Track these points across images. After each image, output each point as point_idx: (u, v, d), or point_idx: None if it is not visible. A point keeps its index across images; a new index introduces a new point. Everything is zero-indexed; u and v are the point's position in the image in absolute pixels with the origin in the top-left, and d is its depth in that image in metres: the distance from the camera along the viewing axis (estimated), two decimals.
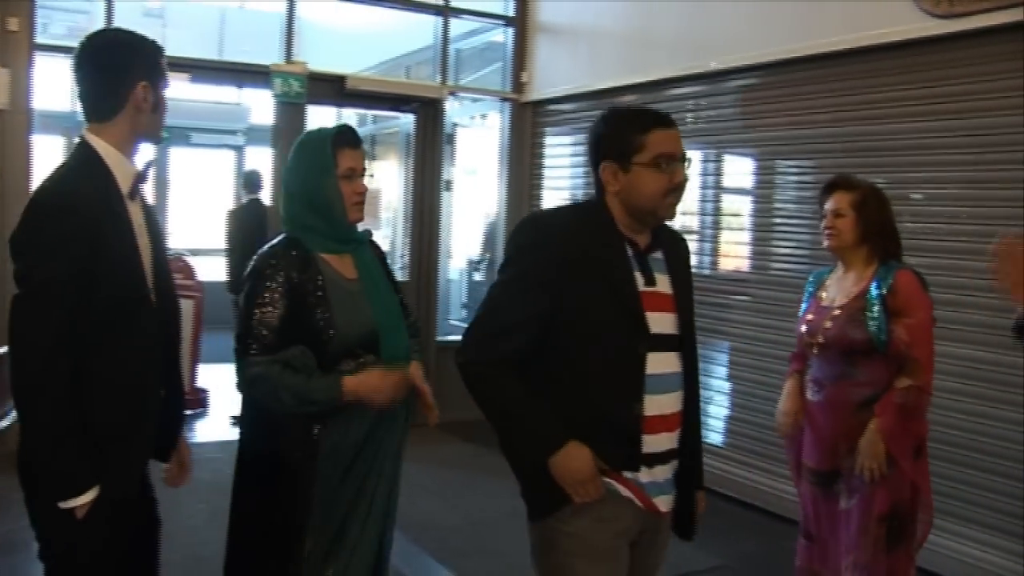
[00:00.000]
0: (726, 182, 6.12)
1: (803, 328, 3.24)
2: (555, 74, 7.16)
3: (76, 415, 2.05)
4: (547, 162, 7.47)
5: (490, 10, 7.49)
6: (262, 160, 7.59)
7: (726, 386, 5.90)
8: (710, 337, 5.80)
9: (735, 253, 6.03)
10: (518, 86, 7.42)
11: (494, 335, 2.17)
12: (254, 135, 11.25)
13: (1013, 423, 4.13)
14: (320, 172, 2.51)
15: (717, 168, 6.14)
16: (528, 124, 7.48)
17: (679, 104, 6.18)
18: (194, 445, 5.76)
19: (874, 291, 3.02)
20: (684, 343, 2.28)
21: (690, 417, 2.31)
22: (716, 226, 6.16)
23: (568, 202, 6.67)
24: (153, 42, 2.30)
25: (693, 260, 6.03)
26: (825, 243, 3.22)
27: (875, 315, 2.99)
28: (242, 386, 2.44)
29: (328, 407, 2.41)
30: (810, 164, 5.37)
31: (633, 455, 2.18)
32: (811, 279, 3.41)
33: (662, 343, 2.21)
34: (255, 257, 2.50)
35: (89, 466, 2.07)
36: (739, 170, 6.07)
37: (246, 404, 2.59)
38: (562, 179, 7.34)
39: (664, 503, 2.27)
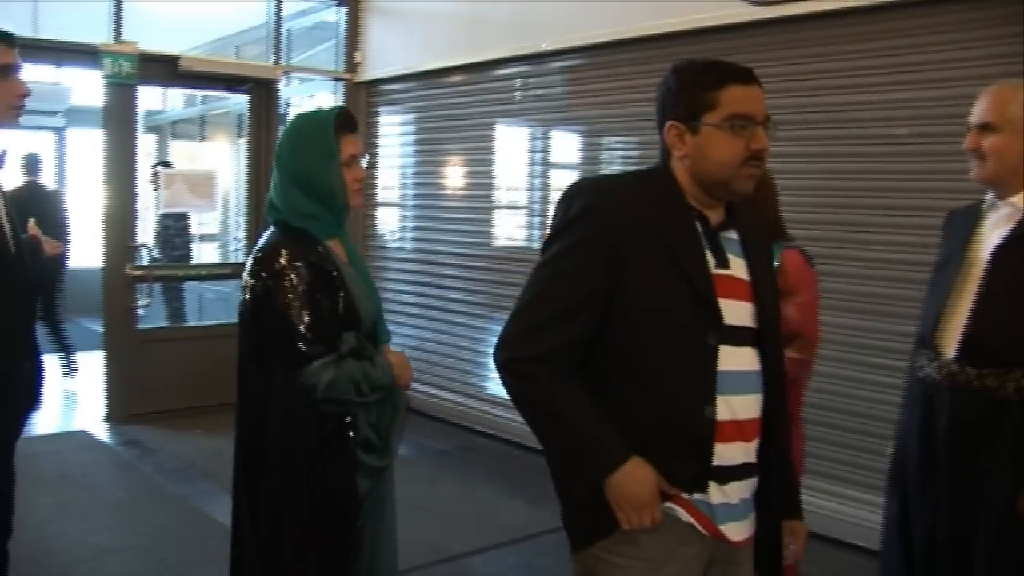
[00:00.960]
0: (555, 158, 6.40)
1: None
2: (389, 54, 7.24)
3: None
4: (382, 141, 7.56)
5: None
6: (87, 141, 7.35)
7: None
8: None
9: None
10: (351, 66, 7.46)
11: (542, 324, 1.85)
12: (75, 116, 10.80)
13: (880, 386, 4.32)
14: (323, 159, 2.39)
15: (546, 145, 6.40)
16: (362, 104, 7.53)
17: (508, 84, 6.42)
18: (34, 438, 5.70)
19: None
20: (765, 338, 1.96)
21: (772, 426, 1.98)
22: (545, 201, 6.43)
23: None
24: None
25: (528, 235, 6.49)
26: None
27: None
28: (324, 391, 2.29)
29: (385, 392, 2.39)
30: (636, 140, 5.69)
31: (702, 469, 1.87)
32: None
33: (737, 336, 1.89)
34: (260, 259, 2.36)
35: None
36: (567, 147, 6.34)
37: (278, 403, 2.37)
38: (396, 157, 7.45)
39: (737, 530, 1.94)
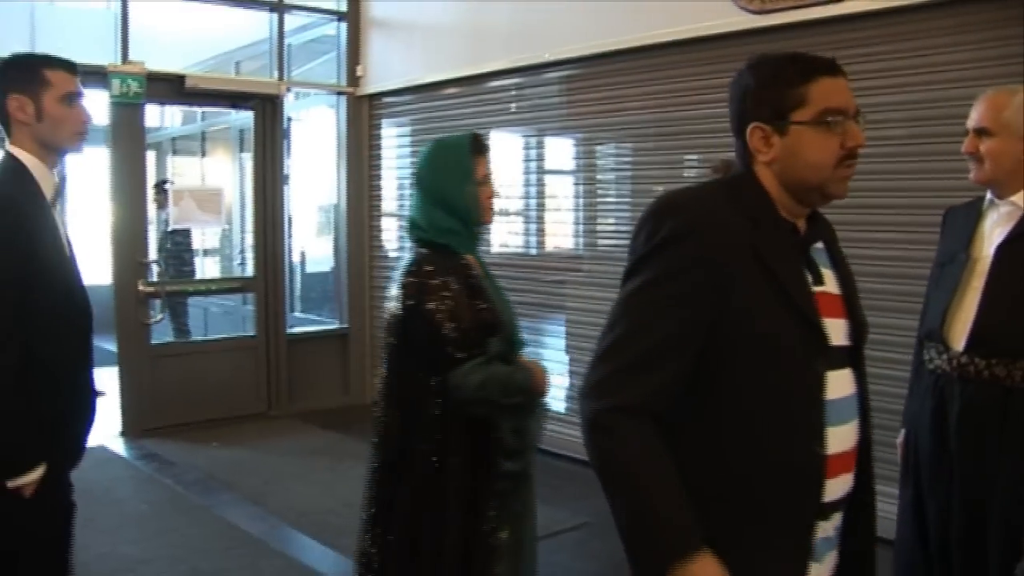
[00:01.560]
0: (556, 166, 6.55)
1: None
2: (390, 67, 7.35)
3: (23, 401, 2.24)
4: (385, 153, 7.67)
5: (323, 5, 7.58)
6: (94, 160, 7.44)
7: (567, 356, 6.34)
8: (550, 312, 6.33)
9: (567, 232, 6.49)
10: (353, 79, 7.57)
11: (636, 366, 1.61)
12: None
13: (883, 378, 4.34)
14: (461, 179, 2.63)
15: (545, 154, 6.57)
16: (365, 117, 7.65)
17: (507, 95, 6.60)
18: None
19: None
20: (858, 357, 1.80)
21: (866, 451, 1.83)
22: (548, 208, 6.61)
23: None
24: (25, 56, 2.45)
25: (531, 242, 6.63)
26: None
27: None
28: (475, 392, 2.47)
29: (526, 396, 2.54)
30: (631, 147, 5.85)
31: (811, 510, 1.69)
32: None
33: (838, 359, 1.73)
34: (411, 273, 2.56)
35: (35, 446, 2.29)
36: (565, 154, 6.47)
37: (430, 411, 2.58)
38: (400, 169, 7.56)
39: (831, 559, 1.80)
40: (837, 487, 1.72)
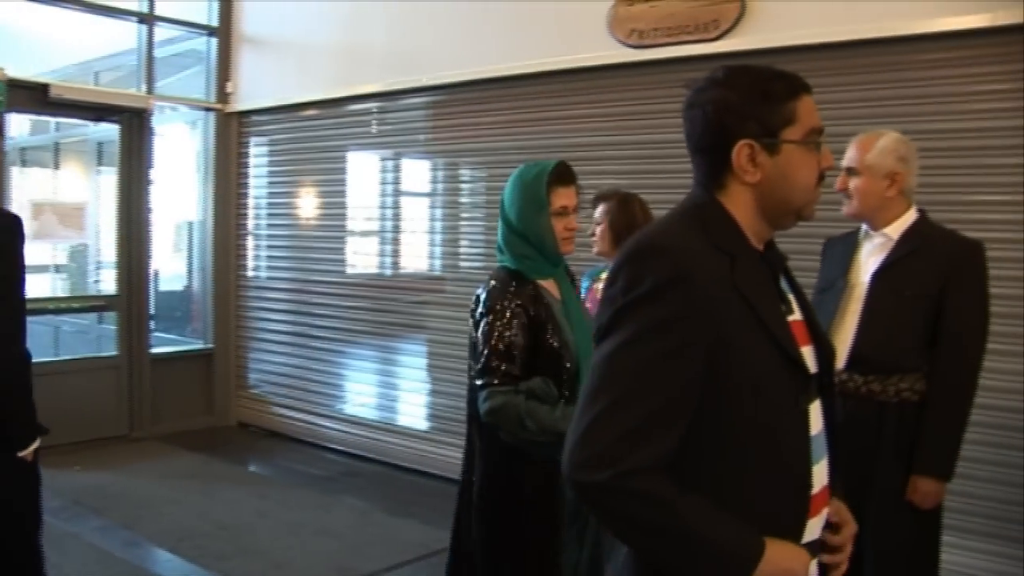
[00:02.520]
0: (419, 188, 6.69)
1: None
2: (261, 85, 7.30)
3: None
4: (253, 172, 7.59)
5: (192, 18, 7.45)
6: None
7: (431, 376, 6.47)
8: (412, 332, 6.48)
9: (429, 254, 6.61)
10: (223, 96, 7.47)
11: (644, 427, 1.46)
12: None
13: None
14: (535, 209, 2.64)
15: (410, 176, 6.71)
16: (234, 134, 7.56)
17: (378, 117, 6.67)
18: None
19: None
20: (827, 383, 1.71)
21: (836, 488, 1.75)
22: (411, 230, 6.73)
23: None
24: None
25: (394, 263, 6.72)
26: (593, 250, 3.65)
27: None
28: (486, 416, 2.50)
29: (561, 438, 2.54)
30: (498, 172, 5.99)
31: None
32: (586, 275, 3.76)
33: (813, 389, 1.66)
34: (485, 292, 2.61)
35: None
36: (430, 178, 6.59)
37: (487, 436, 2.62)
38: (268, 188, 7.50)
39: None
40: (814, 527, 1.64)
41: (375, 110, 6.68)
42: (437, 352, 6.38)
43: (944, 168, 4.12)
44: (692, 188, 1.68)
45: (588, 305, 3.60)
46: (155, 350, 7.28)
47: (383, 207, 6.85)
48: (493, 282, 2.67)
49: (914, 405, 2.88)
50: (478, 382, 2.55)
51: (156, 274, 7.61)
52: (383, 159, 6.78)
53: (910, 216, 2.98)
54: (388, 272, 6.86)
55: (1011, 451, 4.04)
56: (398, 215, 6.79)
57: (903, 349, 2.90)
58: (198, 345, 7.72)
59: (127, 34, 7.16)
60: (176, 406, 7.32)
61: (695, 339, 1.48)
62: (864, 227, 3.07)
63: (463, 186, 6.38)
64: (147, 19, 7.07)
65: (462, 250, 6.33)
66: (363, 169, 7.00)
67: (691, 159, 1.67)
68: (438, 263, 6.51)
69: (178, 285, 8.17)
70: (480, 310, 2.63)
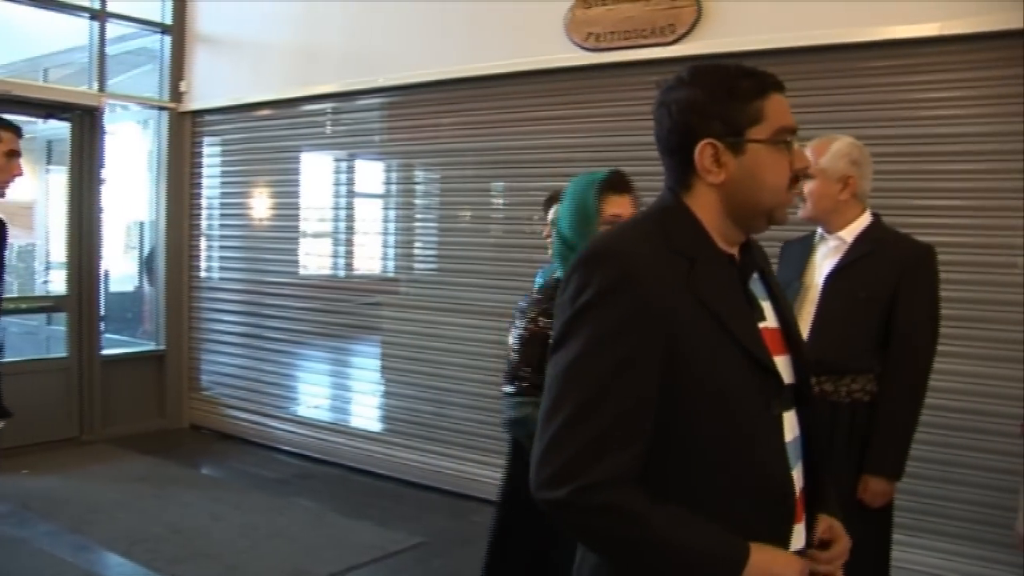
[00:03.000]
0: (373, 189, 6.66)
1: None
2: (215, 84, 7.22)
3: None
4: (207, 172, 7.51)
5: (145, 16, 7.34)
6: None
7: (385, 377, 6.45)
8: (366, 334, 6.48)
9: (383, 255, 6.60)
10: (176, 95, 7.38)
11: (605, 438, 1.41)
12: None
13: None
14: (584, 219, 2.56)
15: (365, 177, 6.70)
16: (187, 134, 7.47)
17: (333, 117, 6.65)
18: None
19: None
20: (803, 395, 1.65)
21: (814, 499, 1.68)
22: (365, 231, 6.74)
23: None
24: None
25: (347, 264, 6.70)
26: (548, 252, 3.69)
27: None
28: (507, 425, 2.53)
29: None
30: (453, 174, 6.03)
31: None
32: (539, 274, 3.81)
33: (788, 399, 1.60)
34: (527, 301, 2.61)
35: None
36: (384, 179, 6.58)
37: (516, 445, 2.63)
38: (221, 188, 7.43)
39: None
40: (797, 537, 1.59)
41: (330, 111, 6.65)
42: (391, 354, 6.37)
43: (896, 173, 4.19)
44: (662, 191, 1.64)
45: None
46: (106, 351, 7.17)
47: (337, 208, 6.82)
48: (536, 294, 2.69)
49: (865, 405, 2.93)
50: (505, 389, 2.56)
51: (107, 274, 7.49)
52: (338, 160, 6.75)
53: (864, 220, 3.04)
54: (342, 273, 6.83)
55: (961, 451, 4.14)
56: (352, 216, 6.77)
57: (856, 351, 2.94)
58: (150, 346, 7.62)
59: (78, 30, 7.04)
60: (127, 408, 7.22)
61: (646, 344, 1.43)
62: (820, 230, 3.12)
63: (418, 188, 6.38)
64: (99, 16, 6.96)
65: (416, 252, 6.33)
66: (317, 170, 6.97)
67: (662, 162, 1.63)
68: (392, 264, 6.49)
69: (129, 286, 8.06)
70: (519, 319, 2.64)
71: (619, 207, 2.61)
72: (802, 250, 3.16)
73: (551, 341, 1.52)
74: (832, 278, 3.00)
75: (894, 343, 2.92)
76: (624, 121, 5.09)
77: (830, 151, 3.03)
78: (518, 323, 2.61)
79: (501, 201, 5.93)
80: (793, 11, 4.53)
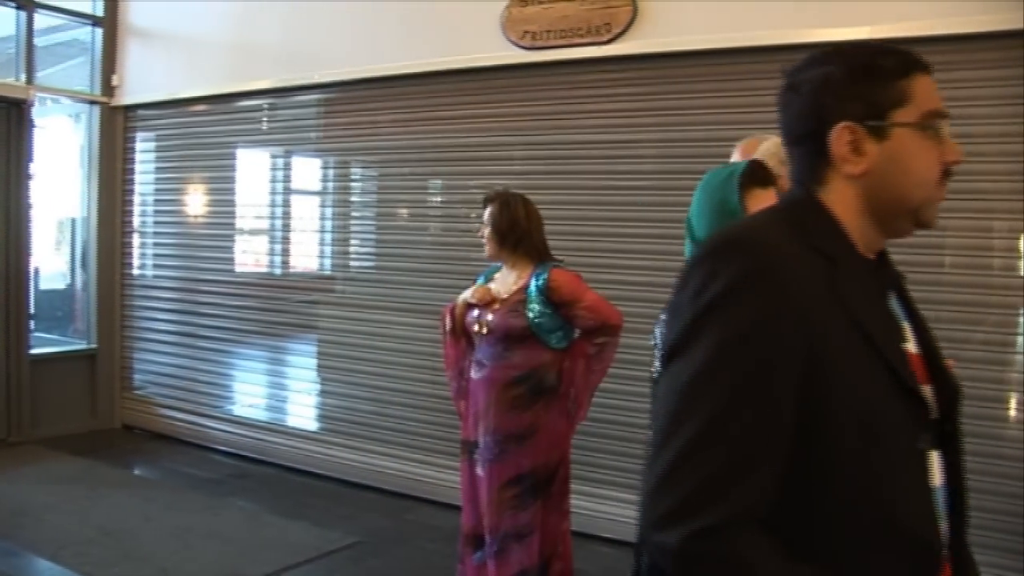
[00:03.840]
0: (310, 186, 6.61)
1: (474, 314, 3.66)
2: (149, 78, 7.09)
3: None
4: (140, 168, 7.38)
5: (76, 7, 7.17)
6: None
7: (321, 376, 6.43)
8: (301, 332, 6.45)
9: (319, 253, 6.58)
10: (108, 89, 7.24)
11: (722, 478, 1.15)
12: None
13: (627, 394, 4.74)
14: (724, 217, 2.26)
15: (300, 174, 6.66)
16: (119, 129, 7.33)
17: (269, 113, 6.60)
18: None
19: (532, 287, 3.52)
20: (950, 432, 1.35)
21: (962, 567, 1.37)
22: (301, 228, 6.72)
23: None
24: None
25: (283, 262, 6.65)
26: (485, 253, 3.69)
27: (534, 307, 3.50)
28: None
29: None
30: (391, 171, 6.01)
31: None
32: (482, 274, 3.82)
33: (934, 436, 1.33)
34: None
35: None
36: (321, 176, 6.55)
37: None
38: (155, 184, 7.31)
39: None
40: None
41: (266, 106, 6.59)
42: (328, 352, 6.33)
43: None
44: (789, 188, 1.40)
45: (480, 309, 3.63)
46: (35, 351, 7.01)
47: (274, 205, 6.76)
48: None
49: None
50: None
51: (36, 272, 7.34)
52: (274, 156, 6.69)
53: None
54: (278, 271, 6.77)
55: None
56: (289, 213, 6.72)
57: None
58: (81, 345, 7.46)
59: (4, 20, 6.85)
60: (57, 409, 7.06)
61: (784, 353, 1.17)
62: None
63: (355, 185, 6.35)
64: (26, 5, 6.78)
65: (352, 249, 6.30)
66: (254, 166, 6.91)
67: (788, 153, 1.41)
68: (329, 262, 6.46)
69: (60, 283, 7.89)
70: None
71: (764, 200, 2.26)
72: None
73: (666, 349, 1.26)
74: None
75: None
76: (560, 119, 5.12)
77: (761, 151, 3.06)
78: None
79: (439, 199, 5.92)
80: (728, 13, 4.59)
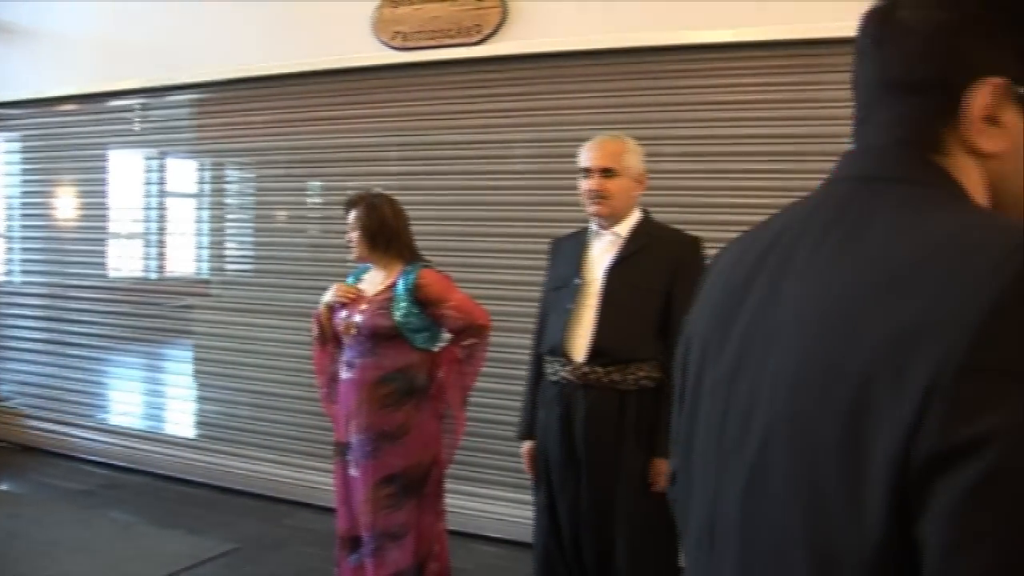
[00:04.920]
0: (184, 188, 6.51)
1: (341, 315, 3.64)
2: (14, 76, 6.83)
3: None
4: (4, 169, 7.15)
5: None
6: None
7: (198, 381, 6.33)
8: (176, 337, 6.35)
9: (194, 256, 6.48)
10: None
11: None
12: None
13: (501, 393, 4.76)
14: None
15: (172, 176, 6.53)
16: None
17: (138, 114, 6.46)
18: None
19: (400, 287, 3.52)
20: None
21: None
22: (174, 232, 6.58)
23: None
24: None
25: (156, 266, 6.51)
26: (351, 255, 3.69)
27: (401, 307, 3.50)
28: None
29: None
30: (266, 173, 5.96)
31: None
32: (351, 275, 3.80)
33: None
34: None
35: None
36: (196, 178, 6.44)
37: None
38: (22, 187, 7.08)
39: None
40: None
41: (138, 107, 6.43)
42: (203, 357, 6.23)
43: (683, 172, 4.40)
44: (861, 155, 0.96)
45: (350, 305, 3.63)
46: None
47: (147, 208, 6.61)
48: None
49: (652, 391, 3.06)
50: None
51: None
52: (147, 158, 6.54)
53: (636, 215, 3.20)
54: (152, 275, 6.62)
55: None
56: (163, 216, 6.59)
57: (639, 340, 3.08)
58: None
59: None
60: None
61: None
62: (592, 226, 3.23)
63: (230, 187, 6.27)
64: None
65: (228, 252, 6.21)
66: (126, 168, 6.73)
67: (870, 105, 0.96)
68: (205, 266, 6.34)
69: None
70: None
71: None
72: (575, 246, 3.27)
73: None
74: (612, 272, 3.13)
75: (673, 331, 3.04)
76: (433, 120, 5.15)
77: (629, 149, 3.16)
78: None
79: (315, 200, 5.88)
80: (597, 14, 4.68)
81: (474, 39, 4.91)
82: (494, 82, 5.00)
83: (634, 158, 3.16)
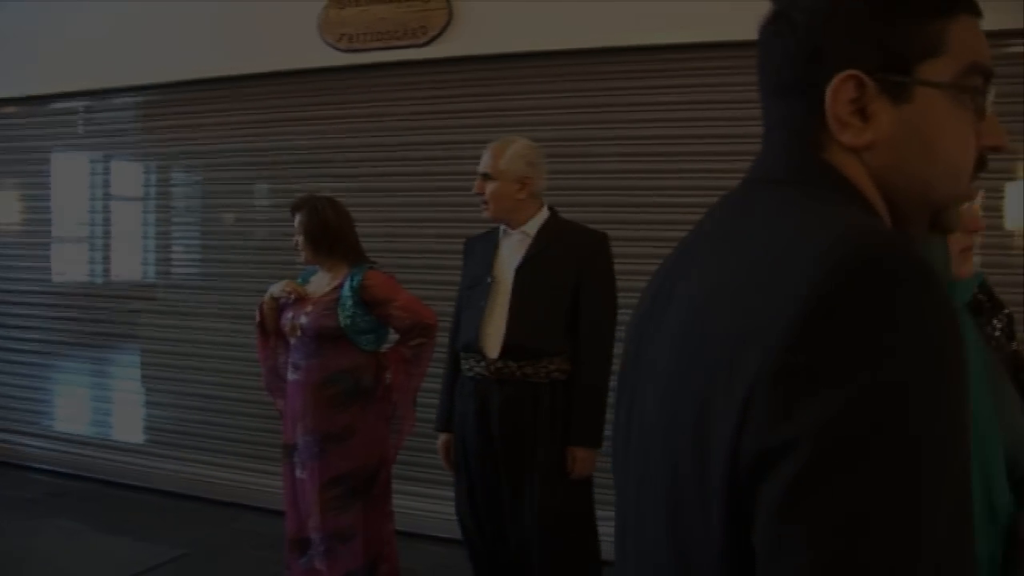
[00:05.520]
0: (130, 192, 6.44)
1: (287, 316, 3.64)
2: None
3: None
4: None
5: None
6: None
7: (146, 386, 6.26)
8: (123, 342, 6.26)
9: (140, 260, 6.42)
10: None
11: None
12: None
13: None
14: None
15: (116, 180, 6.45)
16: None
17: (72, 117, 6.40)
18: None
19: (346, 289, 3.54)
20: None
21: None
22: (119, 236, 6.50)
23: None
24: None
25: (101, 270, 6.42)
26: (300, 259, 3.71)
27: (347, 308, 3.51)
28: None
29: None
30: (213, 175, 5.93)
31: None
32: (301, 276, 3.81)
33: None
34: None
35: None
36: (142, 181, 6.38)
37: None
38: None
39: None
40: None
41: (82, 109, 6.35)
42: (151, 362, 6.17)
43: (623, 173, 4.46)
44: (760, 157, 0.98)
45: (295, 307, 3.63)
46: None
47: (93, 212, 6.53)
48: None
49: (563, 384, 3.17)
50: None
51: None
52: (92, 161, 6.46)
53: (543, 214, 3.29)
54: (98, 280, 6.55)
55: None
56: (108, 220, 6.50)
57: (550, 334, 3.17)
58: None
59: None
60: None
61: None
62: (503, 227, 3.31)
63: (177, 190, 6.21)
64: None
65: (175, 256, 6.16)
66: (71, 172, 6.63)
67: (766, 107, 0.98)
68: (152, 269, 6.29)
69: None
70: None
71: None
72: (486, 246, 3.36)
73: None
74: (521, 270, 3.22)
75: (582, 325, 3.17)
76: (381, 122, 5.16)
77: (507, 154, 3.24)
78: None
79: (263, 203, 5.85)
80: (542, 16, 4.72)
81: (420, 41, 4.93)
82: (440, 83, 5.03)
83: (512, 162, 3.23)
